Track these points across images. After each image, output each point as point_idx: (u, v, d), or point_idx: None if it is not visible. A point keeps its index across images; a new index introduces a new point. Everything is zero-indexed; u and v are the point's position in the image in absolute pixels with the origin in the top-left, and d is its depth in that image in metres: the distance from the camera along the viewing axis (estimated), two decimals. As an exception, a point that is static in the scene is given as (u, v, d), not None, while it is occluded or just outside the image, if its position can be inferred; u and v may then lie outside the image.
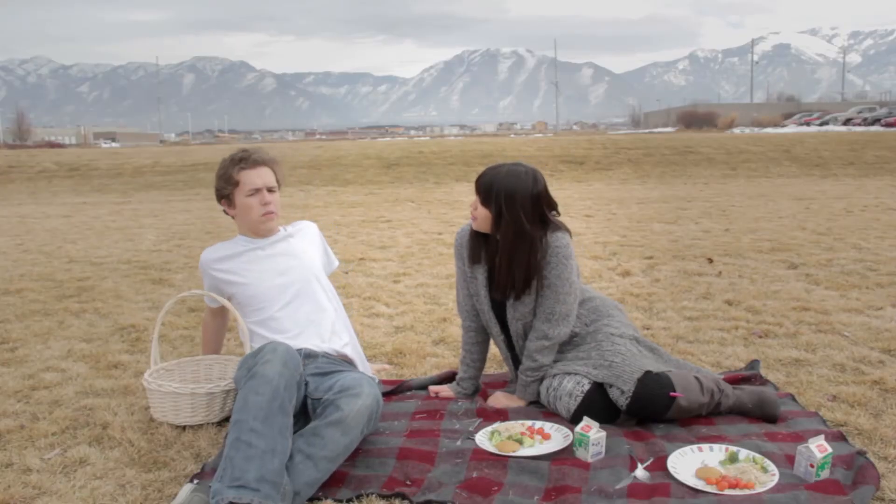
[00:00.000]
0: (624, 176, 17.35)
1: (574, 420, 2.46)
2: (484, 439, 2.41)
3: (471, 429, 2.51)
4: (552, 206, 2.65)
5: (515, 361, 2.82)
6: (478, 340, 2.85)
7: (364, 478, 2.18)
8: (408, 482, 2.16)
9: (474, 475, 2.18)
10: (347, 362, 2.73)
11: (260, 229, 2.82)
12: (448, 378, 3.00)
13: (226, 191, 2.79)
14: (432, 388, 2.90)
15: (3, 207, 13.29)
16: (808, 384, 2.93)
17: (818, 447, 2.08)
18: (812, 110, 54.87)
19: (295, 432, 2.17)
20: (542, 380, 2.70)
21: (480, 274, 2.74)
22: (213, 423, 2.62)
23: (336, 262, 3.13)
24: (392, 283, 5.16)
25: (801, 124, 41.59)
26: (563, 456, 2.30)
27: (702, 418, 2.53)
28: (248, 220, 2.80)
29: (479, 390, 2.89)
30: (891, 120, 33.29)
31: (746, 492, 2.02)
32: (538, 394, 2.72)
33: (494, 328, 2.79)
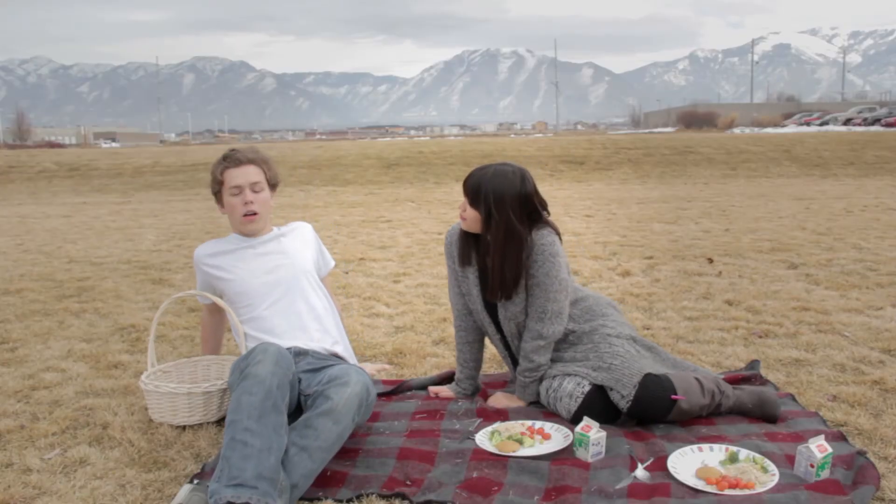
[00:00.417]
0: (624, 176, 17.35)
1: (574, 421, 2.46)
2: (484, 439, 2.41)
3: (471, 429, 2.51)
4: (542, 205, 2.65)
5: (514, 361, 2.82)
6: (468, 340, 2.84)
7: (364, 478, 2.18)
8: (408, 482, 2.16)
9: (474, 475, 2.18)
10: (338, 359, 2.73)
11: (243, 230, 2.82)
12: (448, 378, 3.00)
13: (214, 189, 2.82)
14: (432, 388, 2.90)
15: (3, 207, 13.29)
16: (808, 384, 2.93)
17: (818, 447, 2.08)
18: (812, 110, 54.87)
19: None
20: (541, 380, 2.70)
21: (472, 274, 2.74)
22: (212, 423, 2.62)
23: (332, 263, 3.12)
24: (392, 283, 5.16)
25: (801, 124, 41.59)
26: (564, 456, 2.30)
27: (702, 418, 2.53)
28: (233, 220, 2.80)
29: (479, 390, 2.89)
30: (891, 120, 33.29)
31: (746, 492, 2.02)
32: (538, 394, 2.72)
33: (489, 328, 2.79)
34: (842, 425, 2.52)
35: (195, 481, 2.12)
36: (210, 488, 1.95)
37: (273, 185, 2.85)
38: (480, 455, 2.30)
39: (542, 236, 2.60)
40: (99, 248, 7.39)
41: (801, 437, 2.34)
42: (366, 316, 4.25)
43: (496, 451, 2.32)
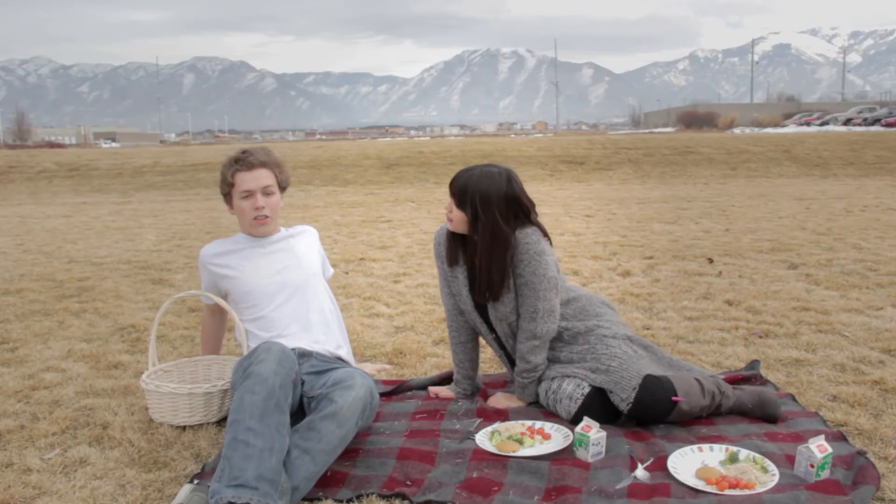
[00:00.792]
0: (624, 176, 17.35)
1: (574, 422, 2.46)
2: (484, 439, 2.41)
3: (471, 429, 2.51)
4: (531, 205, 2.64)
5: (510, 360, 2.81)
6: (461, 340, 2.84)
7: (364, 478, 2.18)
8: (408, 482, 2.16)
9: (474, 475, 2.18)
10: (342, 362, 2.73)
11: (253, 233, 2.81)
12: (448, 378, 3.00)
13: (224, 191, 2.79)
14: (432, 388, 2.90)
15: (3, 207, 13.29)
16: (808, 384, 2.93)
17: (818, 447, 2.08)
18: (812, 110, 54.88)
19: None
20: (540, 380, 2.70)
21: (461, 274, 2.73)
22: (213, 423, 2.62)
23: (331, 271, 3.12)
24: (392, 283, 5.16)
25: (802, 124, 41.59)
26: (564, 456, 2.30)
27: (702, 419, 2.53)
28: (242, 222, 2.79)
29: (479, 390, 2.89)
30: (891, 120, 33.29)
31: (746, 492, 2.02)
32: (537, 395, 2.72)
33: (482, 328, 2.78)
34: (842, 425, 2.52)
35: (195, 481, 2.12)
36: (211, 488, 1.95)
37: (283, 188, 2.84)
38: (480, 455, 2.30)
39: (525, 235, 2.59)
40: (99, 248, 7.40)
41: (801, 438, 2.34)
42: (366, 316, 4.25)
43: (496, 451, 2.32)
